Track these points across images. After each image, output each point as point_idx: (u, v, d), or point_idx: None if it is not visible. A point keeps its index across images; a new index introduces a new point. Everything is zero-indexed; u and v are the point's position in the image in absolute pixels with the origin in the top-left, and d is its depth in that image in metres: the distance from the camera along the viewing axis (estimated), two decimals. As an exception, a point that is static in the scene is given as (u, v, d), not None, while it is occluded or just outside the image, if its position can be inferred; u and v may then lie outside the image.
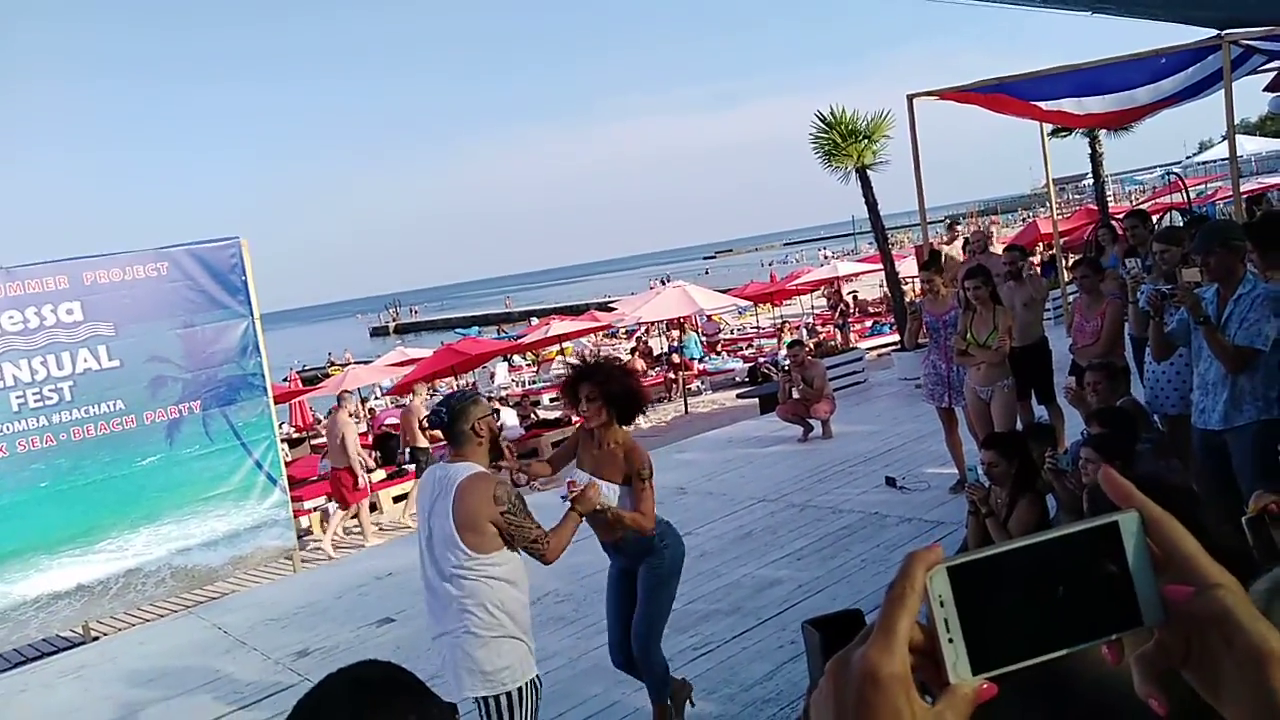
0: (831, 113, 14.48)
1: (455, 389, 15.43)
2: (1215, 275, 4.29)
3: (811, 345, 17.21)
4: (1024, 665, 0.51)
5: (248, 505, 8.20)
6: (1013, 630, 0.51)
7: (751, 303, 26.16)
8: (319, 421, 20.67)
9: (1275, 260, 4.86)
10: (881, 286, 23.34)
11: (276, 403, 9.67)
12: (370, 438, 16.17)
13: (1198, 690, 0.53)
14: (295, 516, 9.24)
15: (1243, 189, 9.92)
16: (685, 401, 17.26)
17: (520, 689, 3.27)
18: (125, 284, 7.69)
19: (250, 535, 8.20)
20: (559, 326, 21.68)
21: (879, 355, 17.61)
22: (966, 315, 6.35)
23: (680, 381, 18.24)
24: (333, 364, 33.40)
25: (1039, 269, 14.57)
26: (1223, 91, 8.21)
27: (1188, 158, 34.94)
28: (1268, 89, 12.08)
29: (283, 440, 11.61)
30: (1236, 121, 8.47)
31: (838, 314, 24.06)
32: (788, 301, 28.21)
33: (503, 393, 21.25)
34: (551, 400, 20.12)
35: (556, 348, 23.57)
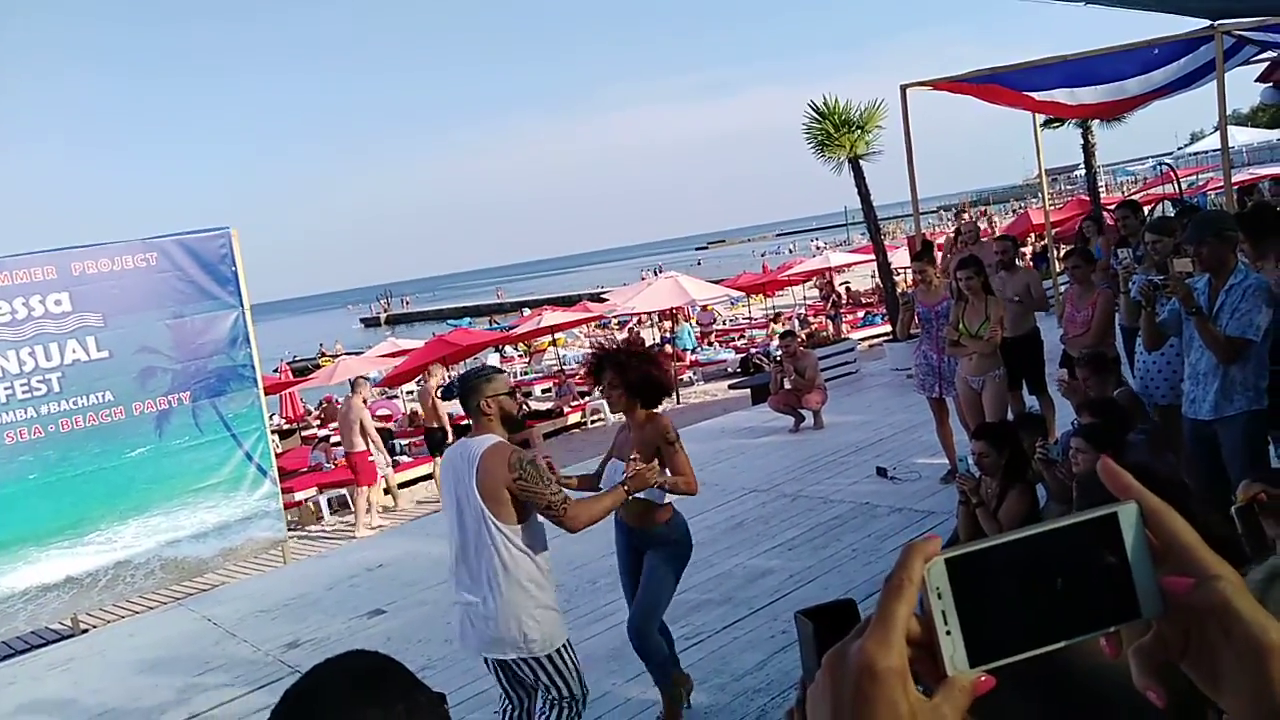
0: (825, 102, 14.46)
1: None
2: (1207, 265, 4.29)
3: (803, 336, 17.22)
4: (1022, 658, 0.50)
5: (238, 497, 8.18)
6: (1011, 622, 0.50)
7: (744, 293, 26.15)
8: (309, 413, 20.63)
9: (1266, 250, 4.88)
10: (874, 277, 23.35)
11: (267, 394, 9.64)
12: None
13: (1195, 682, 0.52)
14: (285, 508, 9.22)
15: (1234, 180, 9.94)
16: (677, 392, 17.26)
17: (551, 656, 3.39)
18: (114, 274, 7.64)
19: (240, 527, 8.17)
20: (551, 317, 21.61)
21: (871, 346, 17.66)
22: (959, 306, 6.35)
23: (673, 372, 18.26)
24: (323, 355, 33.32)
25: (1031, 262, 14.60)
26: (1215, 82, 8.21)
27: (1179, 149, 35.08)
28: (1260, 79, 12.10)
29: (273, 431, 11.61)
30: (1228, 112, 8.47)
31: (830, 305, 24.07)
32: (780, 292, 28.20)
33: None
34: (544, 392, 20.11)
35: (548, 339, 23.54)
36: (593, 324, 26.56)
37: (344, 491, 12.73)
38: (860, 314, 23.71)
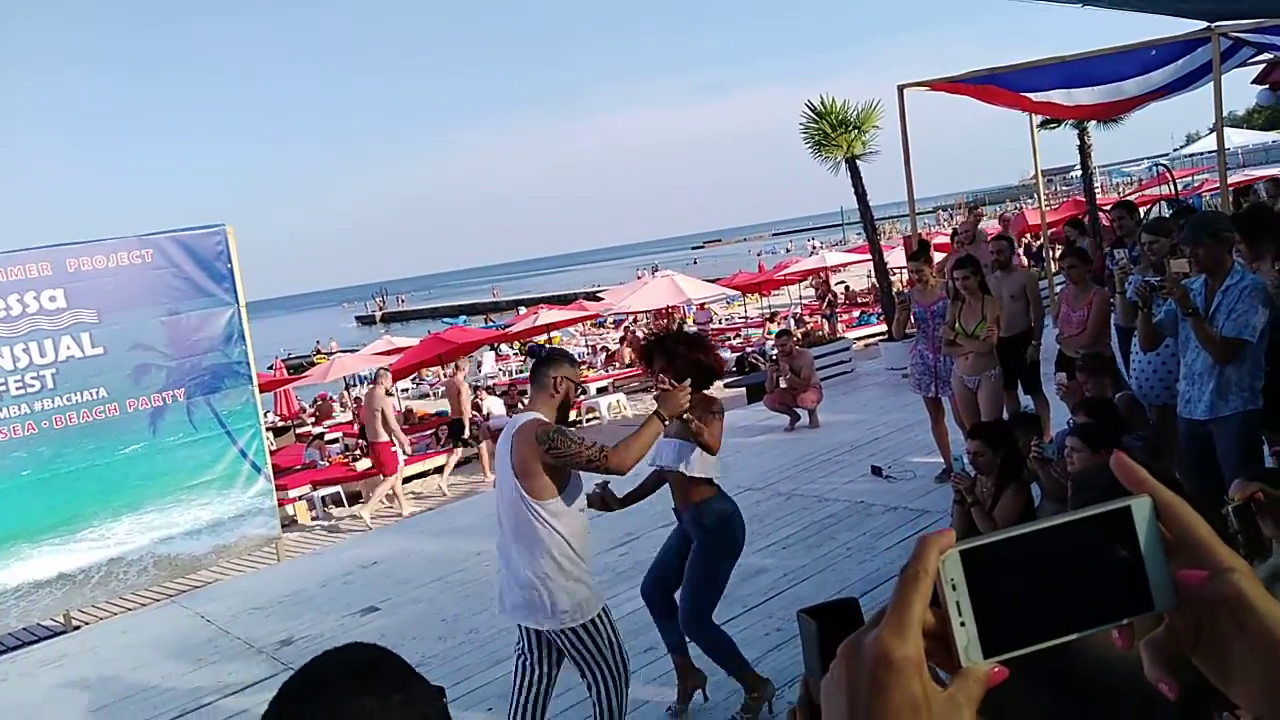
0: (822, 102, 14.48)
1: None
2: (1203, 266, 4.30)
3: (799, 335, 17.24)
4: (1036, 649, 0.50)
5: (232, 494, 8.15)
6: (1024, 614, 0.51)
7: (740, 293, 26.16)
8: (304, 410, 20.61)
9: (1262, 251, 4.89)
10: (869, 277, 23.38)
11: (262, 391, 9.62)
12: (356, 426, 16.14)
13: (1206, 674, 0.52)
14: (280, 505, 9.21)
15: (1230, 181, 9.96)
16: (673, 390, 17.26)
17: (586, 626, 3.45)
18: (109, 271, 7.61)
19: (234, 524, 8.15)
20: (547, 316, 21.62)
21: (866, 345, 17.67)
22: (955, 305, 6.36)
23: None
24: (319, 352, 33.26)
25: (1026, 261, 14.61)
26: (1211, 84, 8.22)
27: (1175, 150, 35.13)
28: (1256, 81, 12.14)
29: (268, 429, 11.59)
30: (1223, 114, 8.49)
31: (825, 304, 24.10)
32: (776, 291, 28.23)
33: (489, 382, 21.20)
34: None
35: (544, 337, 23.54)
36: (588, 323, 26.58)
37: (338, 489, 12.75)
38: (856, 313, 23.74)
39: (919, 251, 7.27)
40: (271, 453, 9.67)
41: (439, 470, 12.99)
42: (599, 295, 30.81)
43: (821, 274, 25.98)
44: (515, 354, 25.98)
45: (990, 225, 15.39)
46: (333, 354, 26.45)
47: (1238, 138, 26.16)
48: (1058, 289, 9.45)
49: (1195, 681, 0.53)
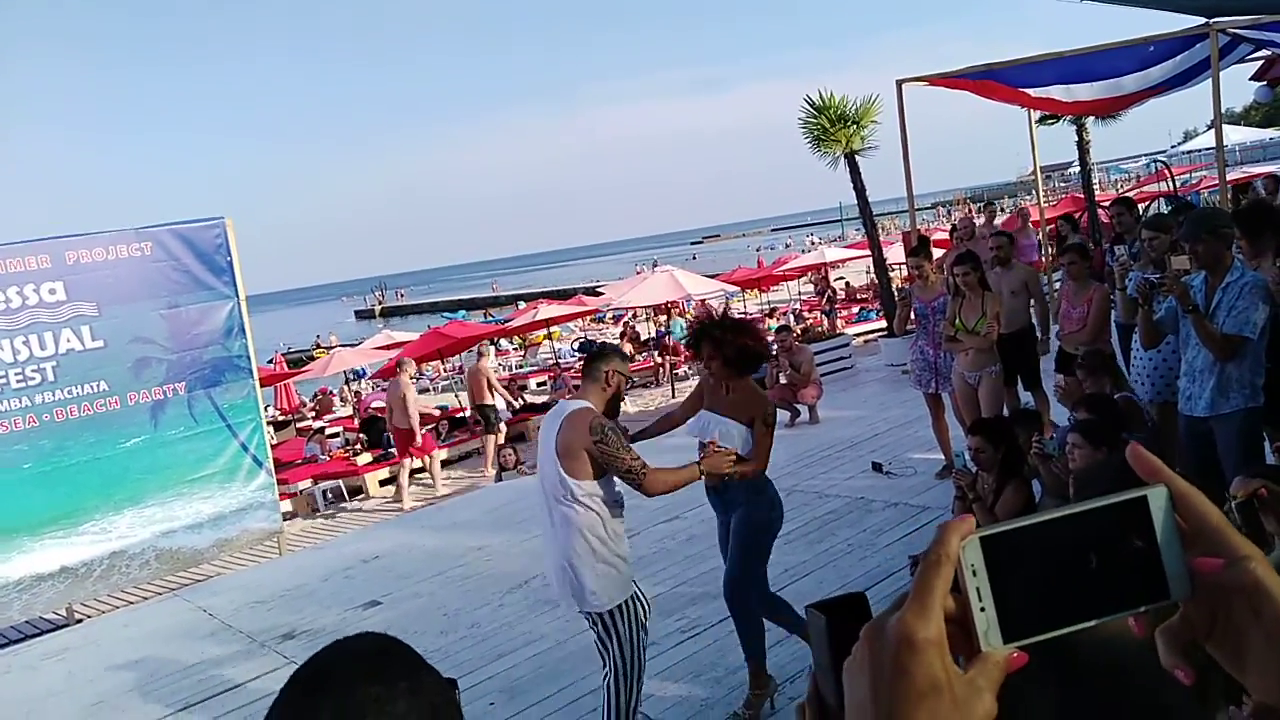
0: (820, 98, 14.46)
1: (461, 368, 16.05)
2: (1204, 263, 4.30)
3: (799, 331, 17.24)
4: (1054, 635, 0.52)
5: (233, 488, 8.16)
6: (1043, 600, 0.52)
7: (739, 288, 26.14)
8: (304, 404, 20.61)
9: (1262, 248, 4.90)
10: (869, 273, 23.37)
11: (262, 385, 9.62)
12: (356, 421, 16.14)
13: (1220, 663, 0.53)
14: (280, 499, 9.21)
15: (1227, 178, 9.95)
16: (673, 386, 17.27)
17: (614, 611, 3.55)
18: (108, 264, 7.60)
19: (236, 518, 8.16)
20: (546, 311, 21.61)
21: (866, 341, 17.66)
22: (955, 301, 6.36)
23: (668, 366, 18.25)
24: (319, 346, 33.23)
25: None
26: (1209, 80, 8.22)
27: (1173, 147, 35.13)
28: (1254, 78, 12.14)
29: (268, 423, 11.60)
30: (1222, 110, 8.49)
31: (825, 300, 24.09)
32: (775, 287, 28.22)
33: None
34: (539, 385, 20.10)
35: (544, 332, 23.53)
36: (588, 318, 26.56)
37: (339, 483, 12.77)
38: (855, 309, 23.74)
39: (918, 247, 7.28)
40: (272, 447, 9.67)
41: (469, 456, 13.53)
42: (598, 290, 30.77)
43: (821, 270, 25.97)
44: (515, 349, 25.98)
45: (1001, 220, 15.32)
46: (332, 348, 26.42)
47: (1235, 135, 26.11)
48: (1056, 286, 9.46)
49: (1204, 666, 0.54)
